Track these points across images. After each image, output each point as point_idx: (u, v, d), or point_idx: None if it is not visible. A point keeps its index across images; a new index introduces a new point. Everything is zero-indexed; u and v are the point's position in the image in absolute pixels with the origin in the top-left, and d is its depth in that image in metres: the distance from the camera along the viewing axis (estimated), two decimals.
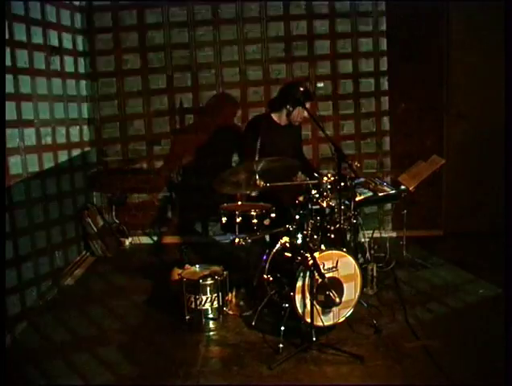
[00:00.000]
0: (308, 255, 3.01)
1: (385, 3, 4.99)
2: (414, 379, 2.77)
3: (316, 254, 3.03)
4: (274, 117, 4.03)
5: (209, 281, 3.39)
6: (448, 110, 5.15)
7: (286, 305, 3.20)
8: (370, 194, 3.79)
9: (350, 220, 3.47)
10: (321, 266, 3.00)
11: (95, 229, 4.91)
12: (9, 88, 3.61)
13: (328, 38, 5.05)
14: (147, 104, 5.20)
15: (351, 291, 3.20)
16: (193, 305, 3.37)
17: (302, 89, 3.80)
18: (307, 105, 3.80)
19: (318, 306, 3.07)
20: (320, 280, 2.97)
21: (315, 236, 3.31)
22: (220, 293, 3.42)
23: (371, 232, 4.13)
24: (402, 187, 4.02)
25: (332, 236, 3.35)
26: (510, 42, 3.03)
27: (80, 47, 5.01)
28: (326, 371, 2.86)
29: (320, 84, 5.11)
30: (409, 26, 5.01)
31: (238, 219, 3.30)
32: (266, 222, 3.40)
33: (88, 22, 5.05)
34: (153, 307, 3.76)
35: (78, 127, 4.89)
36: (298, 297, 3.05)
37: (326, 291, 2.98)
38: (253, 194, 3.53)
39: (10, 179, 3.59)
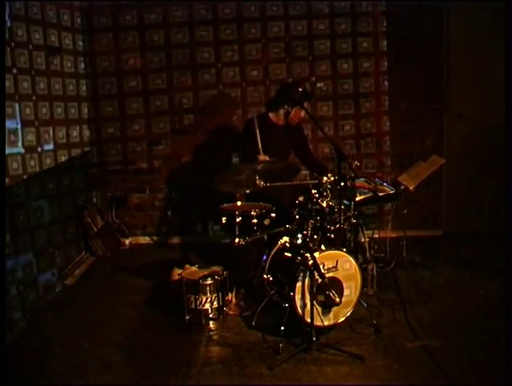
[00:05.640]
0: (308, 255, 3.01)
1: (385, 3, 4.99)
2: (414, 379, 2.77)
3: (316, 254, 3.03)
4: (272, 117, 4.03)
5: (209, 281, 3.39)
6: (448, 110, 5.15)
7: (286, 305, 3.20)
8: (370, 194, 3.78)
9: (350, 220, 3.47)
10: (321, 266, 3.00)
11: (95, 229, 4.91)
12: (9, 87, 3.61)
13: (328, 38, 5.05)
14: (147, 104, 5.20)
15: (351, 291, 3.20)
16: (193, 305, 3.37)
17: (300, 89, 3.80)
18: (306, 105, 3.80)
19: (318, 306, 3.07)
20: (319, 280, 2.97)
21: (315, 236, 3.31)
22: (220, 293, 3.42)
23: (371, 232, 4.13)
24: (402, 187, 4.02)
25: (332, 236, 3.34)
26: (510, 42, 3.03)
27: (80, 47, 5.00)
28: (326, 371, 2.86)
29: (320, 84, 5.10)
30: (409, 26, 5.01)
31: (238, 219, 3.30)
32: (266, 222, 3.40)
33: (88, 22, 5.05)
34: (153, 307, 3.76)
35: (78, 127, 4.89)
36: (298, 297, 3.05)
37: (326, 291, 2.98)
38: (248, 191, 3.53)
39: (10, 179, 3.59)
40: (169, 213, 5.39)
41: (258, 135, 3.78)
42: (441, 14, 4.99)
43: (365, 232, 4.01)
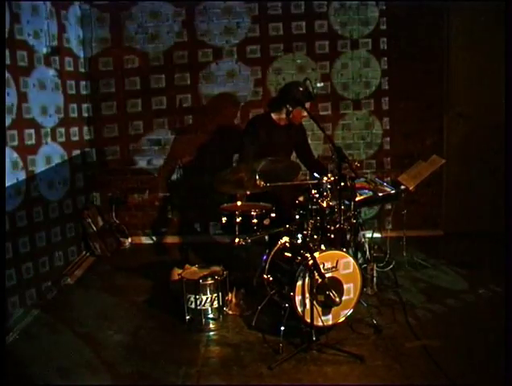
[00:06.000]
0: (308, 255, 3.01)
1: (385, 3, 4.99)
2: (414, 379, 2.77)
3: (316, 254, 3.03)
4: (274, 116, 4.03)
5: (209, 281, 3.39)
6: (448, 110, 5.15)
7: (286, 305, 3.20)
8: (370, 194, 3.78)
9: (350, 220, 3.47)
10: (321, 266, 3.00)
11: (95, 229, 4.91)
12: (9, 87, 3.61)
13: (328, 38, 5.05)
14: (147, 104, 5.20)
15: (351, 291, 3.20)
16: (193, 305, 3.37)
17: (301, 89, 3.80)
18: (307, 105, 3.80)
19: (318, 306, 3.07)
20: (319, 280, 2.97)
21: (315, 236, 3.31)
22: (220, 293, 3.42)
23: (371, 232, 4.13)
24: (402, 187, 4.02)
25: (332, 236, 3.35)
26: (510, 42, 3.03)
27: (80, 47, 5.01)
28: (326, 371, 2.86)
29: (320, 84, 5.11)
30: (409, 26, 5.01)
31: (238, 219, 3.30)
32: (266, 222, 3.40)
33: (88, 22, 5.04)
34: (153, 307, 3.76)
35: (78, 127, 4.89)
36: (298, 297, 3.05)
37: (326, 291, 2.98)
38: (248, 192, 3.54)
39: (10, 179, 3.59)
40: (169, 213, 5.39)
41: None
42: (441, 14, 4.99)
43: (365, 231, 4.01)
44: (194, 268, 3.63)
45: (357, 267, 3.21)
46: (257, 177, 3.31)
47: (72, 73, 4.79)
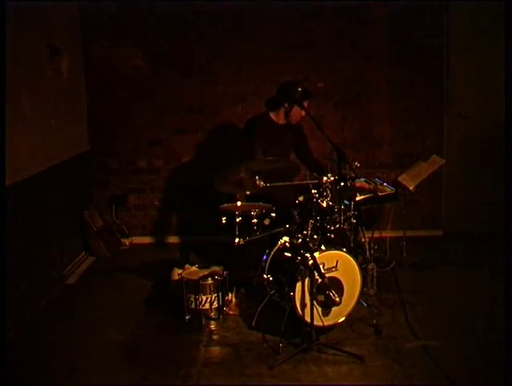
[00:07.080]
0: (308, 255, 3.01)
1: (385, 3, 4.99)
2: (414, 379, 2.78)
3: (316, 254, 3.03)
4: (272, 116, 4.03)
5: (209, 281, 3.39)
6: (448, 110, 5.15)
7: (287, 305, 3.20)
8: (370, 194, 3.78)
9: (350, 220, 3.47)
10: (321, 266, 3.00)
11: (95, 229, 4.91)
12: (8, 87, 3.60)
13: (328, 37, 5.05)
14: (147, 104, 5.19)
15: (351, 291, 3.20)
16: (193, 305, 3.37)
17: (299, 88, 3.80)
18: (305, 104, 3.80)
19: (318, 306, 3.07)
20: (319, 280, 2.97)
21: (315, 236, 3.31)
22: (220, 293, 3.42)
23: (371, 232, 4.13)
24: (402, 187, 4.02)
25: (332, 236, 3.35)
26: (510, 42, 3.03)
27: (81, 47, 5.00)
28: (326, 371, 2.86)
29: (320, 84, 5.10)
30: (409, 26, 5.01)
31: (238, 220, 3.30)
32: (266, 222, 3.40)
33: (88, 22, 5.04)
34: (153, 307, 3.76)
35: (78, 127, 4.88)
36: (298, 297, 3.05)
37: (326, 291, 2.98)
38: (248, 193, 3.54)
39: (9, 179, 3.59)
40: (169, 213, 5.38)
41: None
42: (441, 14, 4.99)
43: (365, 231, 4.01)
44: (194, 268, 3.63)
45: (357, 267, 3.21)
46: (257, 177, 3.31)
47: (72, 73, 4.79)
